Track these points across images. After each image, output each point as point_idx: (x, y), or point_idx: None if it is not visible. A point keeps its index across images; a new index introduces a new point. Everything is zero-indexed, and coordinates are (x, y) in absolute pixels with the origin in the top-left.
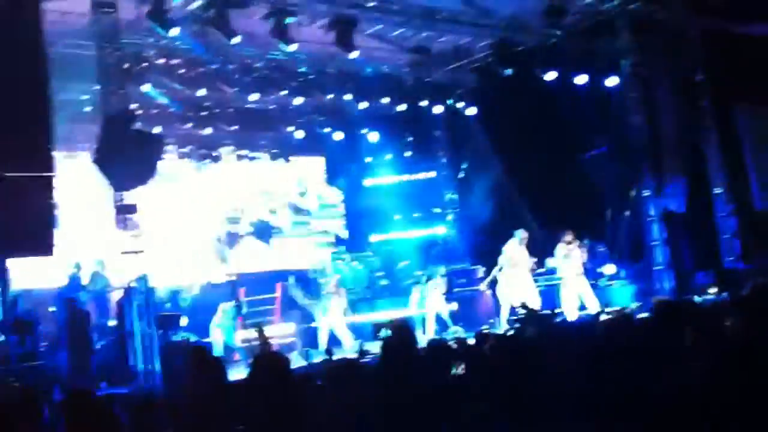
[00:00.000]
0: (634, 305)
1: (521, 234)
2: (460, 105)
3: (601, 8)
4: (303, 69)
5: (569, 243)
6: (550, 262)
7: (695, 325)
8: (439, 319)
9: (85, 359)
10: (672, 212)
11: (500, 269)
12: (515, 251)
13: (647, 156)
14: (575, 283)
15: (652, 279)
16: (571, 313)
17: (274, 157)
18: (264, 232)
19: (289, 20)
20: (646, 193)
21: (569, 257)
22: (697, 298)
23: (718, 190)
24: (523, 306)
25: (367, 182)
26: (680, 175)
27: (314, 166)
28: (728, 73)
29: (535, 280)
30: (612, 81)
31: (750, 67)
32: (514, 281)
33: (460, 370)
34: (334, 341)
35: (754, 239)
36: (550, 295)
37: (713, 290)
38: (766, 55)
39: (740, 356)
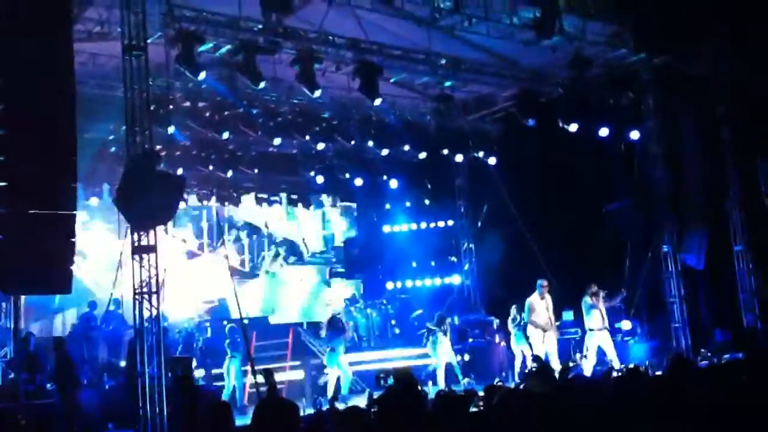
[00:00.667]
0: (648, 363)
1: (543, 284)
2: (480, 154)
3: (626, 61)
4: (326, 114)
5: (594, 294)
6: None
7: (711, 382)
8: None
9: (72, 400)
10: (691, 268)
11: (523, 322)
12: (536, 302)
13: (669, 211)
14: (599, 336)
15: (669, 336)
16: (589, 367)
17: (292, 201)
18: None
19: (315, 66)
20: (666, 248)
21: (595, 309)
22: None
23: (738, 248)
24: (536, 359)
25: (386, 229)
26: (701, 230)
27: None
28: (753, 129)
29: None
30: (635, 134)
31: None
32: (533, 333)
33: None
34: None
35: None
36: (567, 347)
37: (729, 349)
38: None
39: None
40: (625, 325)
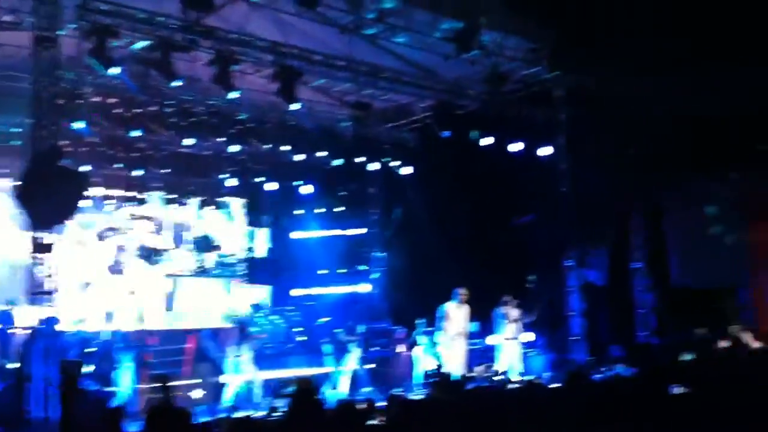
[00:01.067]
0: (548, 374)
1: (461, 292)
2: (395, 163)
3: (540, 78)
4: (242, 116)
5: (507, 304)
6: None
7: (605, 395)
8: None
9: None
10: (592, 284)
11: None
12: (452, 311)
13: (574, 226)
14: (509, 347)
15: (567, 349)
16: (500, 377)
17: (202, 203)
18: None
19: (233, 67)
20: (570, 263)
21: (507, 319)
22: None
23: (637, 265)
24: (437, 370)
25: (294, 235)
26: (603, 247)
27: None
28: (658, 148)
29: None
30: (546, 150)
31: (678, 142)
32: (444, 342)
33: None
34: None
35: (669, 315)
36: (471, 358)
37: (623, 364)
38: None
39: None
40: (527, 336)
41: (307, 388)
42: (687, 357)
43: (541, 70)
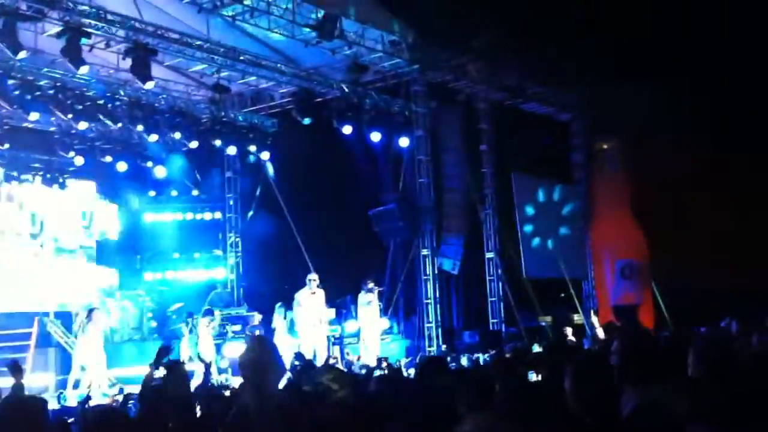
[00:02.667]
0: (404, 360)
1: (313, 279)
2: (253, 148)
3: (400, 71)
4: (91, 93)
5: (370, 290)
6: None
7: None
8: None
9: None
10: (446, 273)
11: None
12: (305, 298)
13: (430, 217)
14: (370, 332)
15: (422, 336)
16: (365, 362)
17: (47, 181)
18: None
19: (83, 41)
20: (425, 252)
21: (371, 305)
22: (462, 358)
23: (490, 255)
24: (298, 357)
25: (147, 217)
26: (459, 237)
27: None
28: (509, 144)
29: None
30: (404, 141)
31: (528, 140)
32: (301, 329)
33: None
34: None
35: (518, 304)
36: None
37: (475, 351)
38: (541, 130)
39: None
40: (383, 323)
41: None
42: (537, 345)
43: (401, 64)
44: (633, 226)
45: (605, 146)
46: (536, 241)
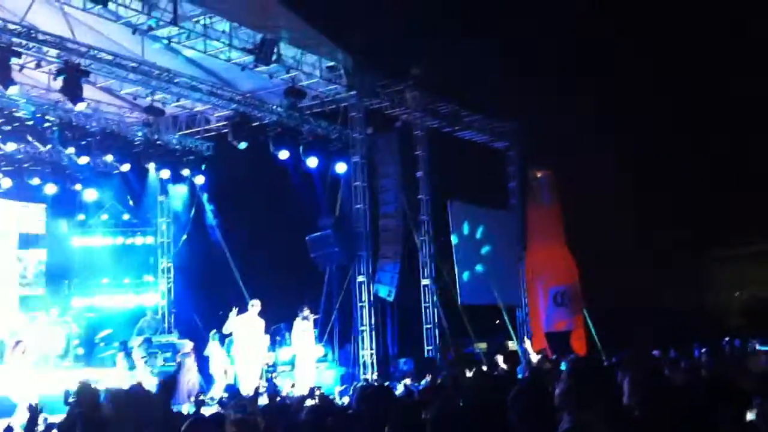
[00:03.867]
0: (339, 388)
1: (255, 305)
2: (187, 172)
3: (338, 96)
4: (21, 114)
5: (305, 318)
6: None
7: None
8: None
9: None
10: (382, 299)
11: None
12: (244, 323)
13: (366, 243)
14: (309, 360)
15: (357, 364)
16: (299, 390)
17: None
18: None
19: (12, 60)
20: (361, 278)
21: (306, 332)
22: (398, 385)
23: (425, 282)
24: (228, 389)
25: (76, 241)
26: (395, 264)
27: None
28: (445, 172)
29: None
30: (341, 167)
31: (464, 167)
32: (237, 355)
33: None
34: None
35: (454, 331)
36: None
37: (410, 378)
38: (476, 157)
39: None
40: (318, 351)
41: (91, 396)
42: (469, 372)
43: (339, 89)
44: (565, 253)
45: (539, 175)
46: (471, 267)
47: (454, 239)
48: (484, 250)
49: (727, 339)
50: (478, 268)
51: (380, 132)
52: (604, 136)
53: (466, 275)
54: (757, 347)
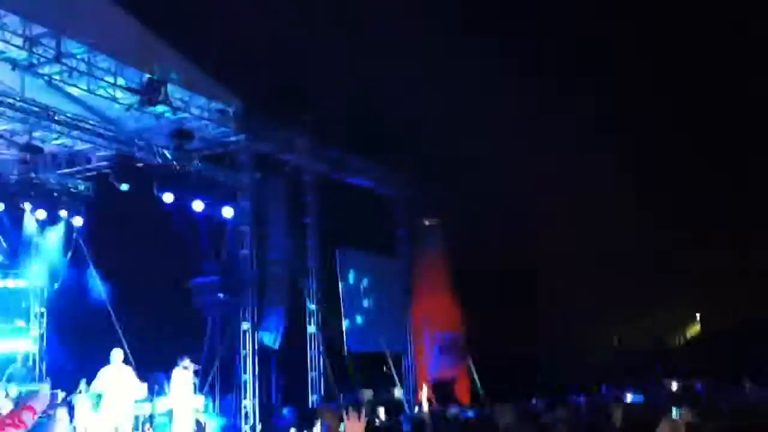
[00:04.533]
0: None
1: (116, 355)
2: (65, 213)
3: (227, 139)
4: None
5: (186, 368)
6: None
7: None
8: None
9: None
10: (267, 347)
11: (96, 395)
12: (110, 374)
13: (251, 289)
14: (187, 411)
15: (239, 414)
16: None
17: None
18: None
19: None
20: (246, 326)
21: (185, 382)
22: None
23: (311, 329)
24: None
25: None
26: (280, 311)
27: None
28: (334, 217)
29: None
30: (228, 212)
31: (352, 214)
32: (103, 406)
33: None
34: None
35: (339, 379)
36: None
37: (294, 428)
38: (365, 204)
39: None
40: (198, 401)
41: None
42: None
43: (228, 132)
44: (451, 301)
45: (427, 223)
46: (357, 315)
47: (341, 286)
48: (371, 297)
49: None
50: (364, 315)
51: (269, 176)
52: (492, 180)
53: (352, 323)
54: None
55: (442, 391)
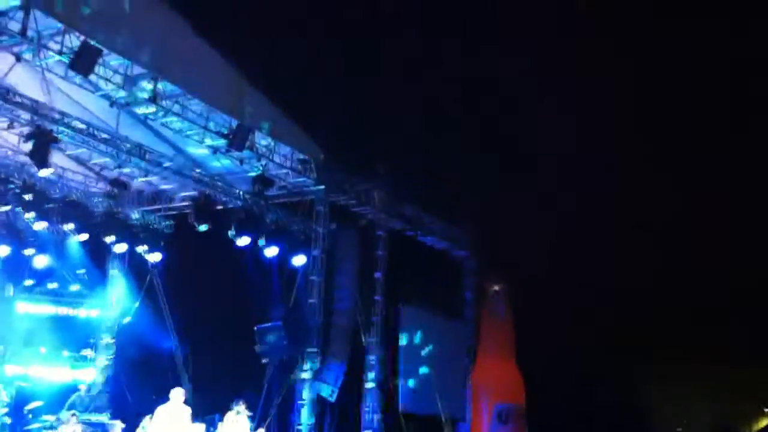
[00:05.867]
0: None
1: (176, 394)
2: (144, 248)
3: (305, 189)
4: None
5: (239, 413)
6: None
7: None
8: None
9: None
10: (324, 399)
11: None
12: (168, 413)
13: (315, 339)
14: None
15: None
16: None
17: None
18: None
19: None
20: (305, 375)
21: (237, 425)
22: None
23: (369, 385)
24: None
25: (21, 307)
26: (341, 363)
27: None
28: (403, 274)
29: None
30: (300, 260)
31: (421, 272)
32: None
33: None
34: None
35: None
36: None
37: None
38: (435, 264)
39: None
40: None
41: None
42: None
43: (307, 182)
44: (514, 370)
45: (495, 288)
46: (416, 375)
47: (402, 344)
48: (432, 359)
49: None
50: (424, 376)
51: (343, 228)
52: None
53: (410, 382)
54: None
55: None
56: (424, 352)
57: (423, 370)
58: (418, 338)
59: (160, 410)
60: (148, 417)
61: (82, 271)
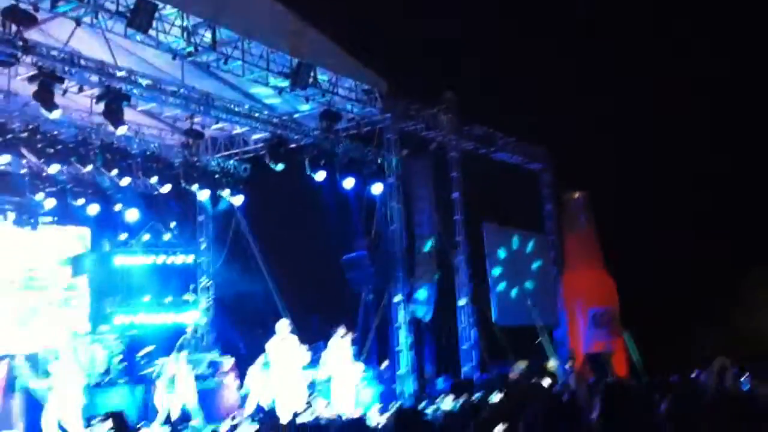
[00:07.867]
0: (377, 406)
1: (282, 325)
2: (226, 192)
3: (373, 119)
4: (63, 136)
5: (343, 337)
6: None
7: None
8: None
9: None
10: (419, 320)
11: (265, 365)
12: (277, 345)
13: (402, 264)
14: (347, 378)
15: (395, 382)
16: (345, 408)
17: (18, 222)
18: None
19: (55, 85)
20: (398, 298)
21: (343, 350)
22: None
23: (462, 302)
24: (258, 408)
25: (118, 260)
26: (431, 284)
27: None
28: (480, 194)
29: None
30: (377, 188)
31: (499, 189)
32: (273, 375)
33: None
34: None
35: (490, 350)
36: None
37: (449, 398)
38: (511, 179)
39: None
40: (358, 368)
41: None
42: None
43: (374, 112)
44: (604, 275)
45: (575, 196)
46: (507, 288)
47: (488, 261)
48: (520, 271)
49: None
50: (514, 288)
51: (415, 154)
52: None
53: (501, 296)
54: None
55: (597, 365)
56: (511, 266)
57: (512, 282)
58: (503, 253)
59: (270, 344)
60: (264, 355)
61: (173, 223)
